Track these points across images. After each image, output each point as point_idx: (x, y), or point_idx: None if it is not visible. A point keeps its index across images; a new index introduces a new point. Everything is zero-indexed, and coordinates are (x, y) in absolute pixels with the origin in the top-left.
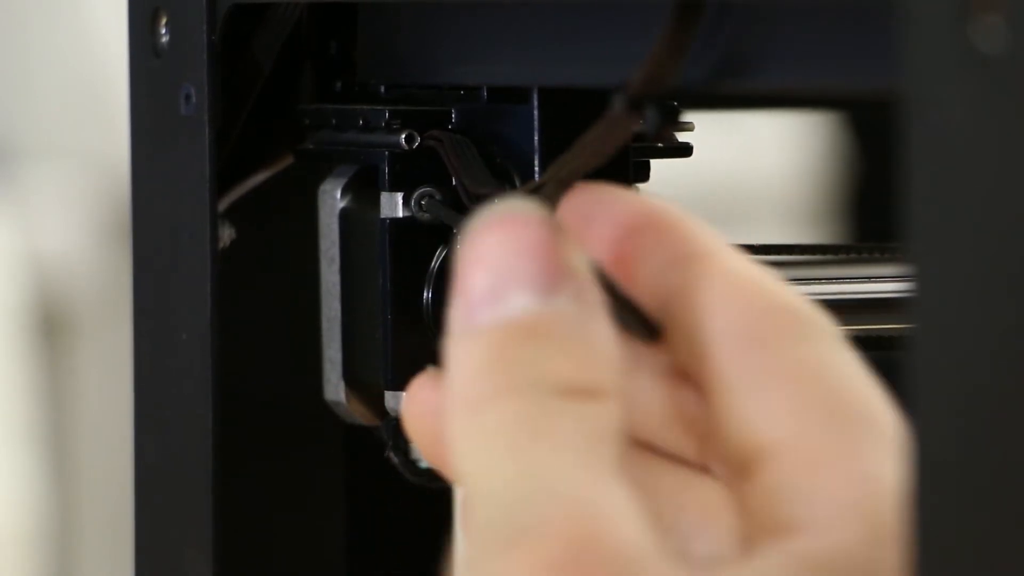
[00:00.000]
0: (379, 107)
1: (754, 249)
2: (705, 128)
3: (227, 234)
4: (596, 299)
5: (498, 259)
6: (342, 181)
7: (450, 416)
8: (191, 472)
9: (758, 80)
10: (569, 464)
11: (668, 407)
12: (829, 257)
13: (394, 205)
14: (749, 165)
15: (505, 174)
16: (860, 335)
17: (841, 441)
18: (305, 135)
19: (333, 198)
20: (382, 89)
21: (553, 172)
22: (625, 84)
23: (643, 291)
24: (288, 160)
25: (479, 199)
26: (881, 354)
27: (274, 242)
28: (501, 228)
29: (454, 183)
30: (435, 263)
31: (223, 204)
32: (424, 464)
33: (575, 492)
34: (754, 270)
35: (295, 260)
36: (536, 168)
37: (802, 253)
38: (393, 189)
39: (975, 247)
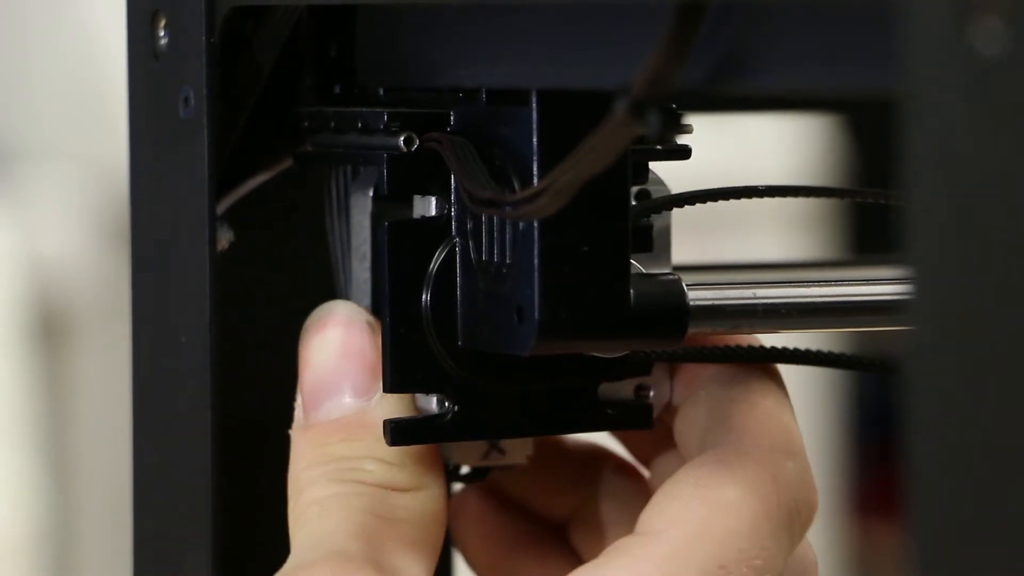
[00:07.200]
0: (378, 109)
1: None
2: (704, 130)
3: (226, 236)
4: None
5: (325, 361)
6: (375, 179)
7: (288, 496)
8: (191, 472)
9: (757, 81)
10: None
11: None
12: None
13: (427, 206)
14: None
15: (504, 176)
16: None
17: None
18: (304, 137)
19: (366, 196)
20: (381, 91)
21: (554, 177)
22: (627, 88)
23: None
24: (287, 162)
25: (480, 201)
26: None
27: (273, 244)
28: (330, 330)
29: (453, 185)
30: (434, 264)
31: (222, 206)
32: None
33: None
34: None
35: (294, 261)
36: (535, 170)
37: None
38: (392, 191)
39: (975, 247)
